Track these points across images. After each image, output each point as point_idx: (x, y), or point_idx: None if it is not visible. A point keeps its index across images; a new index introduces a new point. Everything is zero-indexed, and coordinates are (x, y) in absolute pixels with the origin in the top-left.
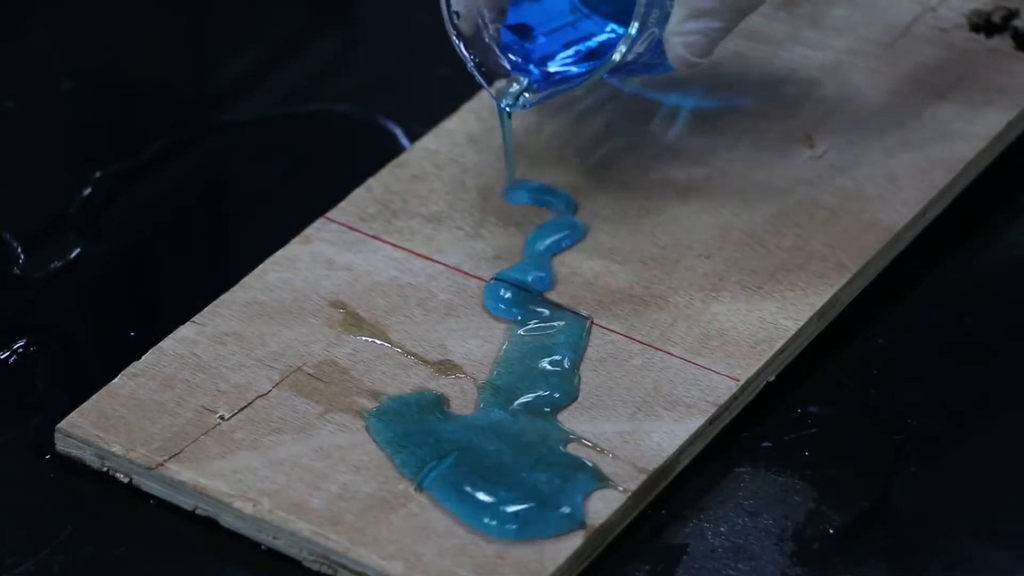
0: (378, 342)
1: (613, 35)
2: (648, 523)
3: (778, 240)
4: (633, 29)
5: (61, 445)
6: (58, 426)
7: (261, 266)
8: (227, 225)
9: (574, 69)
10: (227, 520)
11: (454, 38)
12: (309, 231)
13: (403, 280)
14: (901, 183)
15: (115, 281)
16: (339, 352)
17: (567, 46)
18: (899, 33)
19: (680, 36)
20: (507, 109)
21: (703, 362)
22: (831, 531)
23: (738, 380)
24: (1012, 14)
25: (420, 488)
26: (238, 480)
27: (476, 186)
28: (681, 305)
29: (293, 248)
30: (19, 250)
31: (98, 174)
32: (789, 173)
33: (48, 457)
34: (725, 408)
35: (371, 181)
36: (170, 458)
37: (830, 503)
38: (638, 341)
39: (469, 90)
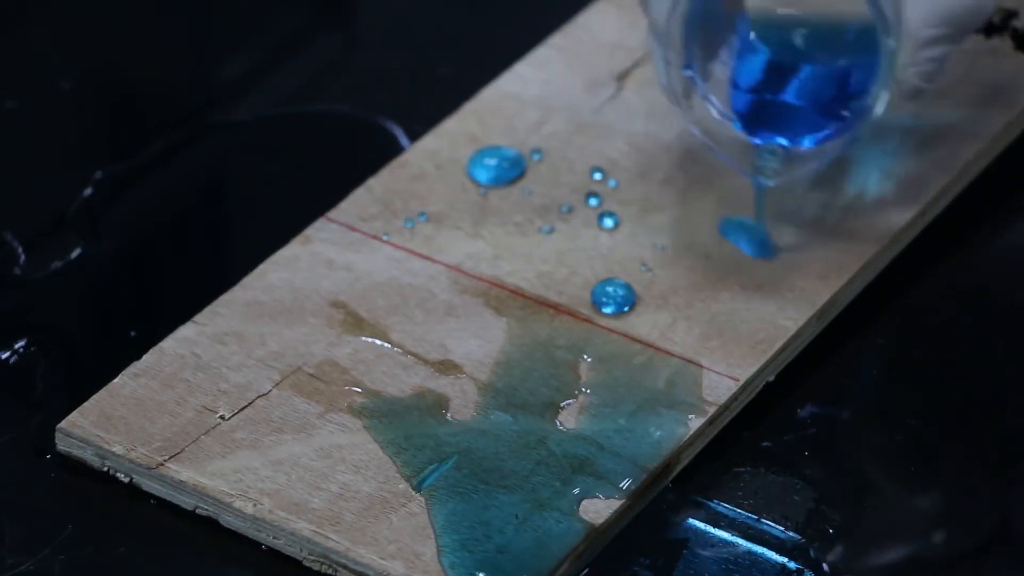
0: (378, 342)
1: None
2: (648, 523)
3: (778, 240)
4: (887, 84)
5: (61, 445)
6: (58, 426)
7: (261, 266)
8: (227, 225)
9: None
10: (227, 520)
11: (691, 123)
12: (309, 231)
13: (403, 280)
14: (901, 183)
15: (115, 281)
16: (339, 352)
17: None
18: None
19: (915, 67)
20: (767, 184)
21: (703, 362)
22: (831, 531)
23: (738, 380)
24: (1012, 14)
25: (418, 490)
26: (238, 480)
27: (476, 186)
28: (681, 305)
29: (293, 248)
30: (19, 250)
31: (98, 174)
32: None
33: (48, 457)
34: (725, 408)
35: (371, 181)
36: (170, 458)
37: (830, 503)
38: (638, 341)
39: (469, 90)
